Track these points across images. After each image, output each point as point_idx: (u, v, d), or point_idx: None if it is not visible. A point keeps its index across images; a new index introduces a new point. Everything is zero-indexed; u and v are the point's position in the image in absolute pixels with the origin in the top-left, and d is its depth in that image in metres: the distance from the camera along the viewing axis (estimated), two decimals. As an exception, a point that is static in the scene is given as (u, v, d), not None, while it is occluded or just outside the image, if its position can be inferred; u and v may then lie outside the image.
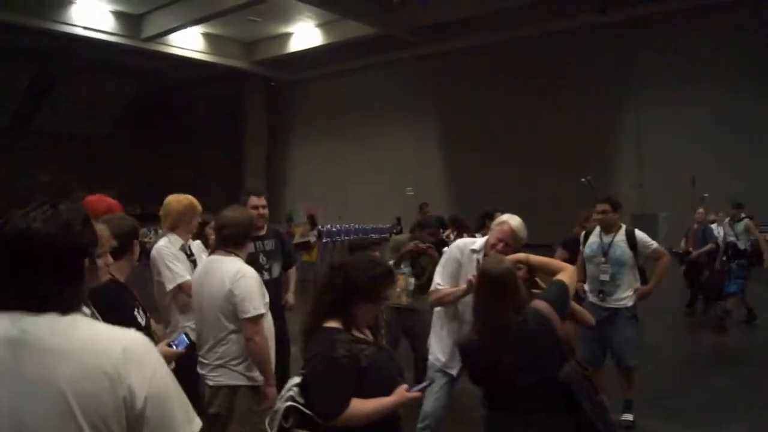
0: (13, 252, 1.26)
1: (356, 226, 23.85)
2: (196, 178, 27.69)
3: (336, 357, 2.22)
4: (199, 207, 4.10)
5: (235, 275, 3.19)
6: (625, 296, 5.05)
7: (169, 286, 3.80)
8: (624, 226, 5.26)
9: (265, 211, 4.53)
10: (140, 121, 33.76)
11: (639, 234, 5.15)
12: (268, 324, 3.33)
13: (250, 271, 3.27)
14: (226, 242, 3.36)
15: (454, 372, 3.78)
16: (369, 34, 22.48)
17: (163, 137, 34.49)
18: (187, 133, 33.22)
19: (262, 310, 3.21)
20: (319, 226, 16.48)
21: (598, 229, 5.32)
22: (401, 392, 2.31)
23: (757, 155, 17.90)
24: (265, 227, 4.55)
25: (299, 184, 29.36)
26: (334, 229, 20.70)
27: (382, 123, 26.32)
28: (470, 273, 3.46)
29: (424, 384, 2.53)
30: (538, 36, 21.47)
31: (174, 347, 2.44)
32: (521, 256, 3.11)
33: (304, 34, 24.66)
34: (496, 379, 2.68)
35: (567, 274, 2.93)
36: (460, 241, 3.97)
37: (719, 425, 5.22)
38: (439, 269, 3.81)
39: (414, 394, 2.33)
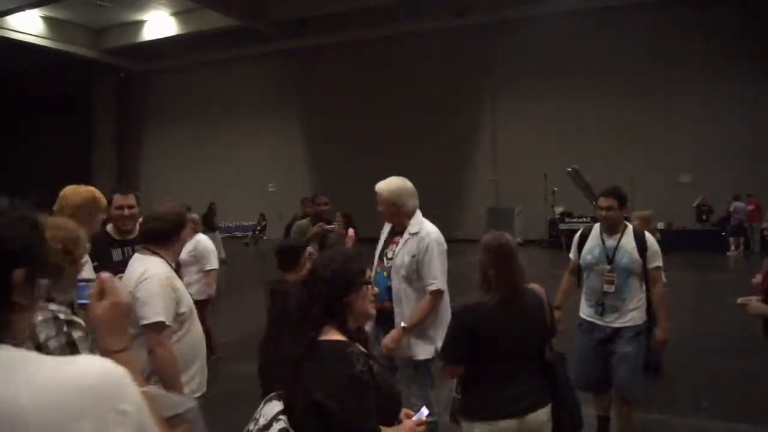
0: None
1: (221, 224, 23.06)
2: (37, 175, 25.27)
3: (357, 374, 1.91)
4: (103, 200, 3.54)
5: (140, 276, 2.88)
6: (629, 316, 4.12)
7: None
8: (630, 226, 4.31)
9: (134, 211, 3.88)
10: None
11: (650, 239, 4.24)
12: (191, 335, 3.03)
13: (158, 273, 2.91)
14: (146, 240, 3.11)
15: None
16: (229, 26, 21.78)
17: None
18: (26, 125, 30.31)
19: (161, 318, 2.84)
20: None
21: (596, 229, 4.36)
22: (411, 426, 2.06)
23: (603, 149, 19.34)
24: (135, 230, 3.85)
25: (156, 182, 27.58)
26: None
27: (243, 118, 25.56)
28: None
29: (425, 413, 2.18)
30: (401, 36, 21.90)
31: None
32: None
33: (159, 22, 23.45)
34: (496, 341, 2.80)
35: None
36: (438, 236, 3.98)
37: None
38: (439, 268, 3.81)
39: (420, 429, 2.07)
